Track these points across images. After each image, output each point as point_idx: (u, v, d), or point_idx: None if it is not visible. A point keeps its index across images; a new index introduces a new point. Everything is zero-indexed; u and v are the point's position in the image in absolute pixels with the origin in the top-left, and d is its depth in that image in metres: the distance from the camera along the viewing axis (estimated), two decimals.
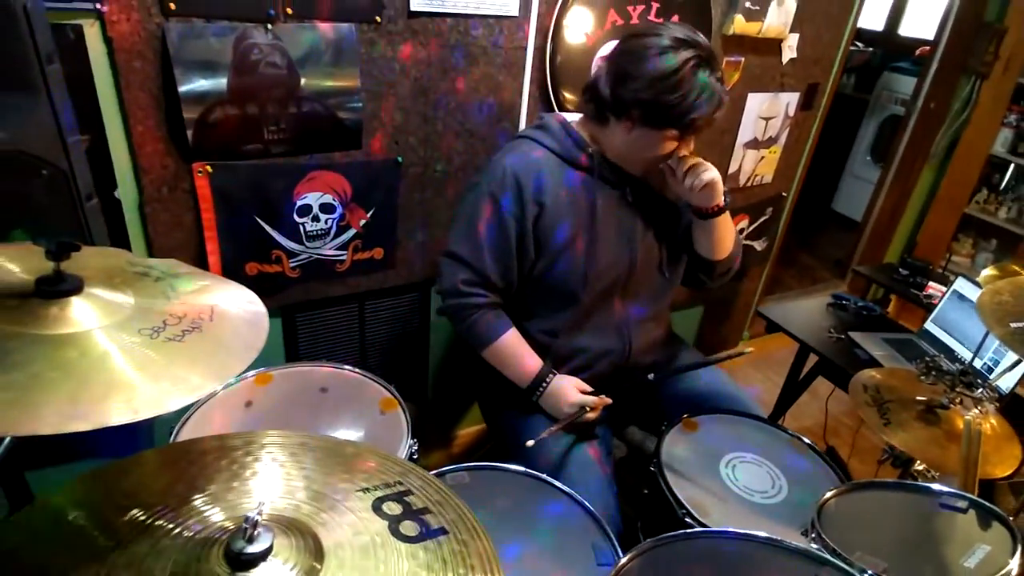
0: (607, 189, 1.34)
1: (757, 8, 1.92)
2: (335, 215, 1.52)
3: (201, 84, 1.24)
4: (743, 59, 2.01)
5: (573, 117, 1.37)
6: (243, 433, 0.83)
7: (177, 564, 0.61)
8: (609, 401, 1.35)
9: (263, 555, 0.61)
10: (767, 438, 1.38)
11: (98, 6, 1.11)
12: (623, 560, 0.83)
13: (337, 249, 1.57)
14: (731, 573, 0.85)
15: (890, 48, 4.29)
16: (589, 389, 1.37)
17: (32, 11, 0.81)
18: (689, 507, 1.16)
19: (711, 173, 1.29)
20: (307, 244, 1.52)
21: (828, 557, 0.84)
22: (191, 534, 0.64)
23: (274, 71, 1.30)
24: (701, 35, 1.21)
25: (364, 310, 1.72)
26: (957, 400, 1.23)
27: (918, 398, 1.30)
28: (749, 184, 2.27)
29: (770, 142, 2.23)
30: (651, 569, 0.84)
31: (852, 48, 2.20)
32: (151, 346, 0.68)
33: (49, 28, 0.85)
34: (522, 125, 1.69)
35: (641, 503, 1.33)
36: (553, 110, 1.70)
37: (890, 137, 3.48)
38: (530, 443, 1.23)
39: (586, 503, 1.15)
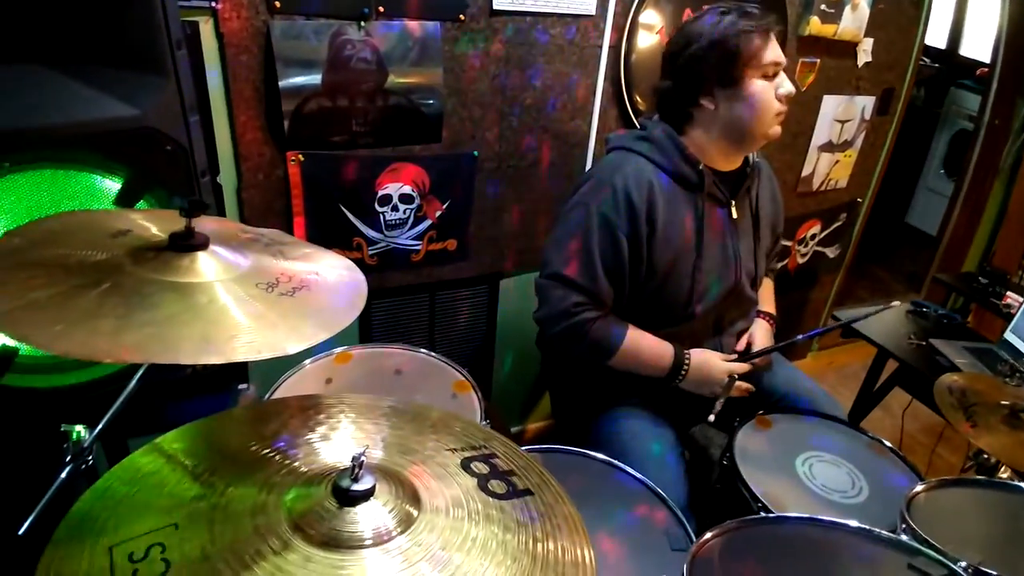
0: (714, 207, 1.33)
1: (832, 11, 1.90)
2: (413, 206, 1.58)
3: (299, 77, 1.32)
4: (819, 60, 1.99)
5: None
6: (337, 395, 0.88)
7: (290, 497, 0.65)
8: (749, 368, 1.36)
9: (367, 494, 0.64)
10: (845, 439, 1.34)
11: (213, 4, 1.21)
12: (706, 536, 0.82)
13: (413, 239, 1.63)
14: (817, 560, 0.83)
15: (953, 66, 4.14)
16: (732, 357, 1.37)
17: (167, 1, 0.90)
18: (765, 501, 1.13)
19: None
20: (386, 233, 1.58)
21: (920, 547, 0.81)
22: (306, 470, 0.68)
23: (364, 66, 1.37)
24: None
25: (435, 300, 1.77)
26: None
27: (1002, 402, 1.23)
28: (823, 188, 2.22)
29: (845, 145, 2.18)
30: (733, 549, 0.83)
31: (919, 63, 2.15)
32: (266, 299, 0.73)
33: (179, 17, 0.94)
34: (594, 124, 1.71)
35: (712, 499, 1.31)
36: (626, 109, 1.72)
37: (961, 151, 3.34)
38: (711, 418, 1.29)
39: (659, 490, 1.14)
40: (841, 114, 2.11)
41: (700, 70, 1.22)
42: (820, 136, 2.10)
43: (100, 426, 0.79)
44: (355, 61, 1.36)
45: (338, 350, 1.37)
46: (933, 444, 2.26)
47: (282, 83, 1.30)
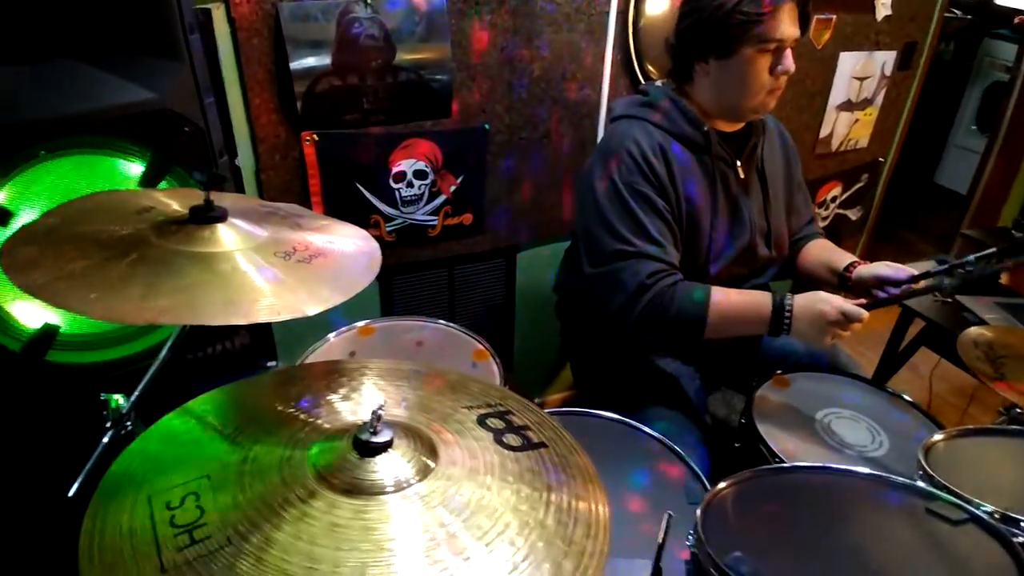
0: (722, 167, 1.32)
1: None
2: (427, 181, 1.60)
3: (309, 58, 1.35)
4: (834, 16, 1.94)
5: (671, 86, 1.33)
6: (360, 360, 0.91)
7: (315, 451, 0.68)
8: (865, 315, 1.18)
9: (385, 446, 0.68)
10: (866, 395, 1.33)
11: None
12: (720, 485, 0.84)
13: (429, 214, 1.65)
14: (831, 508, 0.84)
15: (986, 16, 3.97)
16: (851, 300, 1.20)
17: None
18: (783, 457, 1.14)
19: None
20: (402, 209, 1.61)
21: (937, 492, 0.82)
22: (328, 426, 0.72)
23: (372, 44, 1.39)
24: None
25: (454, 275, 1.80)
26: None
27: None
28: (842, 149, 2.18)
29: (865, 104, 2.13)
30: (746, 498, 0.84)
31: (948, 15, 2.07)
32: (284, 266, 0.76)
33: (193, 4, 0.97)
34: (605, 92, 1.71)
35: (732, 459, 1.32)
36: (636, 76, 1.71)
37: (995, 104, 3.22)
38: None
39: (678, 448, 1.16)
40: (859, 71, 2.06)
41: (698, 36, 1.21)
42: (838, 95, 2.06)
43: (136, 392, 0.83)
44: (363, 39, 1.37)
45: (360, 323, 1.40)
46: (964, 405, 2.23)
47: (293, 64, 1.33)
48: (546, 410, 1.23)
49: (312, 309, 0.70)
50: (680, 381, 1.39)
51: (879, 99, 2.15)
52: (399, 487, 0.65)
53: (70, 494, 0.81)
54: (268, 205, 0.93)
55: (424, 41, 1.44)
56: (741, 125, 1.35)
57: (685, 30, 1.24)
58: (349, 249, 0.89)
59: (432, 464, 0.70)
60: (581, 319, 1.55)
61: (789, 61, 1.21)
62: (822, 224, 2.31)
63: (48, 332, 1.00)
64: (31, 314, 1.01)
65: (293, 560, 0.55)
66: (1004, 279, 2.56)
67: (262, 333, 1.57)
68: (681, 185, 1.26)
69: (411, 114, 1.51)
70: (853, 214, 2.36)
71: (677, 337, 1.27)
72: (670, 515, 0.69)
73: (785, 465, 0.89)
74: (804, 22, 1.23)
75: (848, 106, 2.10)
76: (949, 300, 1.73)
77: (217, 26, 1.28)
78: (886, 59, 2.09)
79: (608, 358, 1.48)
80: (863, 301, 1.21)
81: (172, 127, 0.99)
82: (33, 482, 0.95)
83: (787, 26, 1.18)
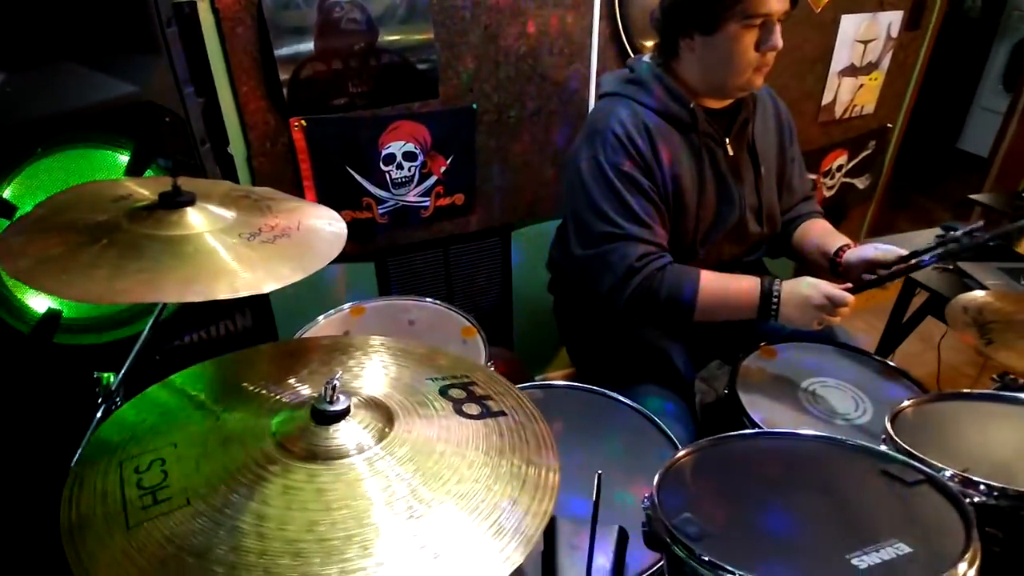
0: (710, 145, 1.31)
1: None
2: (417, 163, 1.63)
3: (292, 45, 1.37)
4: None
5: (657, 61, 1.31)
6: (335, 336, 0.95)
7: (277, 420, 0.73)
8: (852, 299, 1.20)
9: (341, 414, 0.71)
10: (853, 364, 1.33)
11: None
12: (679, 453, 0.86)
13: (421, 195, 1.68)
14: (787, 471, 0.85)
15: None
16: (836, 284, 1.22)
17: None
18: (764, 427, 1.15)
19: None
20: (393, 191, 1.64)
21: (892, 454, 0.82)
22: (288, 400, 0.76)
23: (354, 27, 1.41)
24: None
25: (449, 255, 1.83)
26: None
27: None
28: (847, 116, 2.13)
29: (870, 68, 2.08)
30: (705, 465, 0.86)
31: None
32: (248, 246, 0.80)
33: None
34: (593, 66, 1.70)
35: (719, 430, 1.34)
36: (625, 49, 1.70)
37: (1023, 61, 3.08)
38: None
39: (658, 421, 1.18)
40: (863, 34, 2.00)
41: (682, 11, 1.19)
42: (840, 60, 2.00)
43: (123, 370, 0.89)
44: (345, 23, 1.40)
45: (347, 306, 1.44)
46: (976, 374, 2.18)
47: (277, 52, 1.36)
48: (531, 383, 1.26)
49: (269, 286, 0.73)
50: (670, 356, 1.40)
51: (885, 62, 2.09)
52: (350, 453, 0.68)
53: (73, 464, 0.87)
54: (241, 189, 0.96)
55: (406, 23, 1.46)
56: (730, 101, 1.33)
57: (669, 5, 1.23)
58: (314, 229, 0.92)
59: (388, 430, 0.74)
60: (573, 296, 1.56)
61: (777, 37, 1.17)
62: (828, 194, 2.27)
63: (52, 316, 1.07)
64: (42, 303, 1.08)
65: (244, 519, 0.60)
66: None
67: (263, 315, 1.63)
68: (667, 164, 1.26)
69: (397, 96, 1.53)
70: (861, 183, 2.31)
71: (667, 319, 1.28)
72: (600, 474, 0.71)
73: (745, 432, 0.90)
74: None
75: (851, 71, 2.05)
76: (950, 267, 1.69)
77: (203, 17, 1.31)
78: (892, 20, 2.03)
79: (599, 334, 1.50)
80: (849, 285, 1.21)
81: (154, 118, 1.03)
82: (39, 453, 1.02)
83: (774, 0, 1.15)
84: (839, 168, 2.22)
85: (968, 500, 0.74)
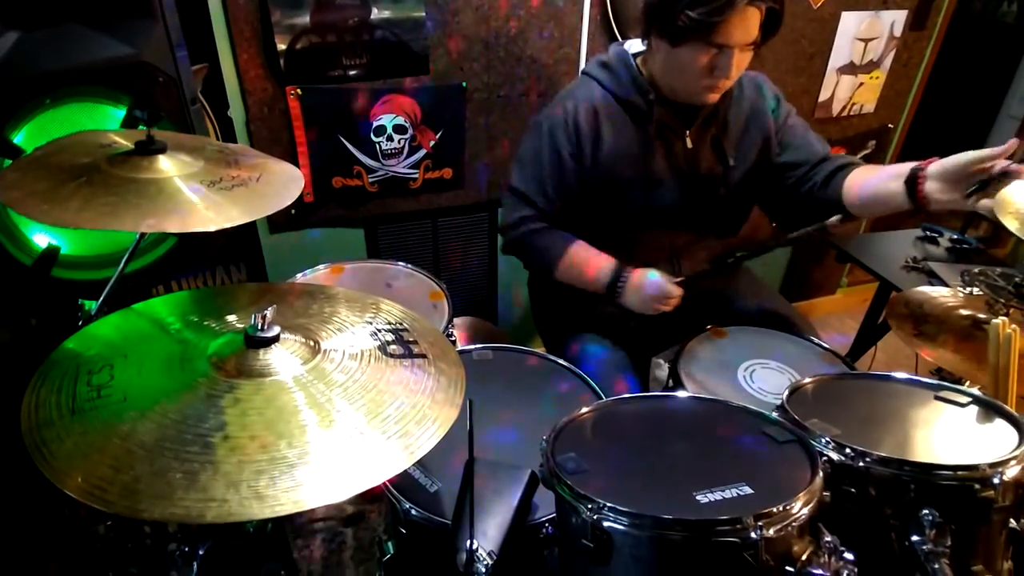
0: (667, 135, 1.35)
1: None
2: (407, 136, 1.72)
3: (289, 17, 1.47)
4: None
5: (639, 48, 1.36)
6: (291, 282, 1.05)
7: (218, 343, 0.83)
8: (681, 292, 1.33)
9: (270, 340, 0.81)
10: (797, 350, 1.38)
11: None
12: (583, 410, 0.94)
13: (410, 168, 1.77)
14: (676, 426, 0.91)
15: None
16: (677, 279, 1.35)
17: None
18: None
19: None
20: (383, 161, 1.73)
21: (769, 414, 0.89)
22: (232, 329, 0.86)
23: (348, 2, 1.50)
24: None
25: (437, 227, 1.92)
26: (1003, 312, 1.15)
27: (964, 314, 1.23)
28: (845, 114, 2.14)
29: (870, 67, 2.08)
30: (606, 420, 0.94)
31: None
32: (207, 192, 0.90)
33: None
34: (583, 51, 1.76)
35: None
36: (615, 35, 1.75)
37: None
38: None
39: (594, 385, 1.25)
40: (864, 32, 2.00)
41: (653, 17, 1.23)
42: (839, 57, 2.01)
43: (102, 296, 1.01)
44: None
45: (322, 267, 1.54)
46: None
47: (274, 21, 1.46)
48: (483, 345, 1.35)
49: (215, 225, 0.83)
50: (618, 321, 1.46)
51: (887, 62, 2.09)
52: (274, 373, 0.78)
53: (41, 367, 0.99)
54: (218, 144, 1.07)
55: (399, 0, 1.54)
56: None
57: (645, 6, 1.26)
58: (271, 184, 1.02)
59: (313, 357, 0.84)
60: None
61: (728, 67, 1.19)
62: None
63: (51, 251, 1.20)
64: (44, 239, 1.21)
65: (169, 415, 0.70)
66: (1008, 247, 2.44)
67: (256, 269, 1.76)
68: (606, 150, 1.32)
69: (389, 70, 1.62)
70: None
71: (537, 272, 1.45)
72: (471, 401, 0.80)
73: (647, 394, 0.97)
74: (773, 23, 1.19)
75: (851, 69, 2.05)
76: (919, 267, 1.71)
77: None
78: (895, 19, 2.02)
79: (556, 313, 1.57)
80: (680, 279, 1.36)
81: (148, 77, 1.15)
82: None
83: (737, 32, 1.15)
84: None
85: (833, 460, 0.81)
